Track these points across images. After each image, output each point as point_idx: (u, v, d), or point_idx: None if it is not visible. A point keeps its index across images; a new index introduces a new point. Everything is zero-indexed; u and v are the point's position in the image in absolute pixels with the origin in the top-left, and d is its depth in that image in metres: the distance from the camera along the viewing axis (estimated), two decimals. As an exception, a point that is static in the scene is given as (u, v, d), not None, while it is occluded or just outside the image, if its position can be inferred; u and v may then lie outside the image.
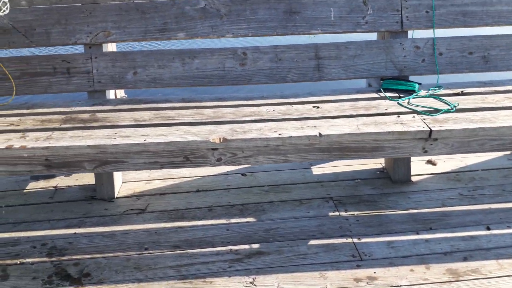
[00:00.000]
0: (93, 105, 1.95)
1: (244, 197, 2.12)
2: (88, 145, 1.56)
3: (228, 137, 1.62)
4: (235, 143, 1.62)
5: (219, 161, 1.68)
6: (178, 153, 1.65)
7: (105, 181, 2.09)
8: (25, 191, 2.20)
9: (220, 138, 1.62)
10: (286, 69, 2.12)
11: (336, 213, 1.98)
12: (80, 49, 2.15)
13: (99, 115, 1.83)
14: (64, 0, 1.96)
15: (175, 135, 1.64)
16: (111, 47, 2.14)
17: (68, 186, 2.24)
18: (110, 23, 2.00)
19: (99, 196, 2.12)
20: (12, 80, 1.99)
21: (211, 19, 2.06)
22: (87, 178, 2.27)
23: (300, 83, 2.18)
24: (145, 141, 1.59)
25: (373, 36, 2.29)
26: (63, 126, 1.73)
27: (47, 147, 1.55)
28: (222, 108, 1.91)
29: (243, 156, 1.68)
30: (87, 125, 1.73)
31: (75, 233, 1.86)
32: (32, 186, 2.24)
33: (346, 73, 2.15)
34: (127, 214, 1.98)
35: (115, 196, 2.12)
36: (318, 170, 2.35)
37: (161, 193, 2.16)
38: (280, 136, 1.62)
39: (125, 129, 1.69)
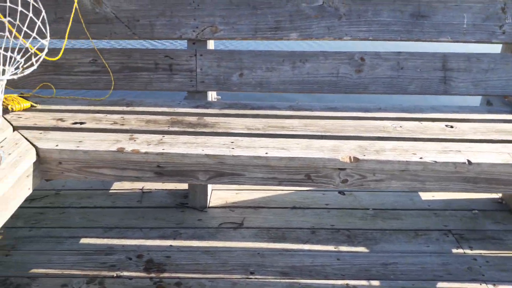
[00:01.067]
0: (197, 107, 1.81)
1: (348, 220, 1.92)
2: (206, 154, 1.41)
3: (360, 156, 1.43)
4: (368, 164, 1.43)
5: (344, 183, 1.49)
6: (300, 171, 1.47)
7: (198, 189, 1.96)
8: (110, 191, 2.10)
9: (350, 157, 1.43)
10: (408, 79, 1.90)
11: (460, 250, 1.74)
12: (181, 44, 2.02)
13: (207, 119, 1.68)
14: (172, -11, 1.83)
15: (297, 149, 1.46)
16: (210, 44, 2.00)
17: (155, 189, 2.12)
18: (218, 17, 1.85)
19: (191, 204, 1.98)
20: (111, 73, 1.89)
21: (328, 19, 1.87)
22: (174, 182, 2.15)
23: (413, 95, 1.96)
24: (267, 155, 1.42)
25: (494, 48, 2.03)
26: (171, 129, 1.59)
27: (161, 153, 1.41)
28: (338, 119, 1.72)
29: (373, 180, 1.48)
30: (198, 130, 1.59)
31: (171, 245, 1.72)
32: (118, 186, 2.14)
33: (476, 88, 1.90)
34: (224, 228, 1.83)
35: (208, 205, 1.98)
36: (427, 195, 2.12)
37: (255, 206, 2.00)
38: (421, 160, 1.41)
39: (241, 138, 1.53)
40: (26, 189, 1.40)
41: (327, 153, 1.44)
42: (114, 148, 1.43)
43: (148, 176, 1.48)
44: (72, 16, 1.77)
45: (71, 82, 1.90)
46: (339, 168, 1.46)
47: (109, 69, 1.88)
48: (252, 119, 1.70)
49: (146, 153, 1.42)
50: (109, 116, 1.70)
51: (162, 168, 1.46)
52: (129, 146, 1.44)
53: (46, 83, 1.90)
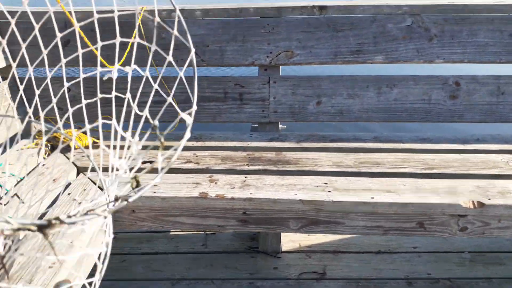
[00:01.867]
0: (271, 140, 1.63)
1: (445, 267, 1.68)
2: (300, 200, 1.22)
3: (485, 200, 1.21)
4: (495, 210, 1.21)
5: (462, 231, 1.27)
6: (412, 218, 1.26)
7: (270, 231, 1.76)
8: (171, 233, 1.92)
9: (473, 201, 1.21)
10: (509, 106, 1.68)
11: None
12: (252, 71, 1.86)
13: (287, 155, 1.50)
14: (244, 11, 1.67)
15: (407, 192, 1.25)
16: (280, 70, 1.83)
17: (219, 230, 1.93)
18: (295, 41, 1.68)
19: (262, 248, 1.78)
20: (176, 104, 1.73)
21: (417, 40, 1.67)
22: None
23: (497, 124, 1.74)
24: (373, 200, 1.22)
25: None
26: (252, 167, 1.41)
27: (250, 199, 1.23)
28: (437, 153, 1.51)
29: (497, 227, 1.26)
30: (281, 168, 1.40)
31: (250, 301, 1.52)
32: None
33: None
34: (305, 279, 1.62)
35: (280, 249, 1.78)
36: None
37: (333, 250, 1.78)
38: (561, 205, 1.19)
39: (334, 178, 1.33)
40: (99, 244, 1.23)
41: (445, 197, 1.22)
42: (195, 193, 1.25)
43: (232, 225, 1.30)
44: (133, 41, 1.63)
45: (137, 115, 1.75)
46: (458, 215, 1.24)
47: (173, 99, 1.72)
48: (338, 154, 1.51)
49: (232, 198, 1.24)
50: (180, 152, 1.54)
51: (248, 215, 1.28)
52: (212, 191, 1.26)
53: (106, 116, 1.76)
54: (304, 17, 1.66)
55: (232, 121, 1.74)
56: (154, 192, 1.26)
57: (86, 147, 1.61)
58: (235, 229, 1.30)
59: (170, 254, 1.78)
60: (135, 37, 1.58)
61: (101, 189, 1.30)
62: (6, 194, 1.33)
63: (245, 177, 1.35)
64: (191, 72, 1.85)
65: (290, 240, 1.85)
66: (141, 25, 1.67)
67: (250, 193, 1.25)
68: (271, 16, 1.67)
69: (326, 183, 1.30)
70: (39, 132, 1.73)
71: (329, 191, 1.25)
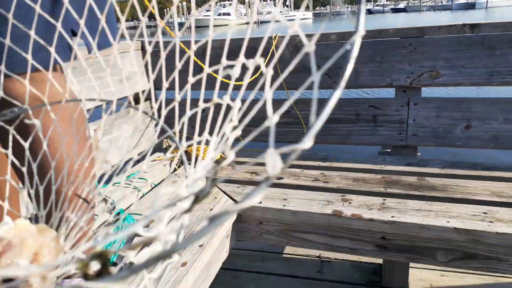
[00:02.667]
0: (408, 164, 1.48)
1: None
2: (454, 228, 1.05)
3: None
4: None
5: None
6: None
7: (397, 266, 1.57)
8: (284, 255, 1.83)
9: None
10: None
11: None
12: (387, 93, 1.75)
13: (431, 180, 1.33)
14: (383, 33, 1.59)
15: None
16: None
17: (335, 259, 1.79)
18: (441, 61, 1.54)
19: (385, 284, 1.59)
20: (304, 125, 1.69)
21: None
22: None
23: None
24: (549, 239, 1.00)
25: None
26: (390, 191, 1.27)
27: (392, 222, 1.09)
28: None
29: None
30: (426, 193, 1.24)
31: None
32: (291, 251, 1.87)
33: None
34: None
35: (408, 287, 1.57)
36: None
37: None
38: None
39: (495, 208, 1.13)
40: (224, 252, 1.19)
41: None
42: (328, 210, 1.16)
43: (367, 250, 1.16)
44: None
45: (260, 134, 1.75)
46: None
47: (302, 120, 1.69)
48: (496, 183, 1.30)
49: (370, 220, 1.11)
50: (306, 171, 1.47)
51: (387, 241, 1.13)
52: (346, 210, 1.16)
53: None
54: (453, 36, 1.52)
55: (363, 143, 1.63)
56: (284, 206, 1.20)
57: (217, 161, 1.63)
58: (370, 255, 1.16)
59: (284, 277, 1.68)
60: (268, 61, 1.61)
61: (233, 199, 1.28)
62: (141, 197, 1.39)
63: (384, 199, 1.22)
64: (325, 95, 1.79)
65: (420, 279, 1.62)
66: (274, 50, 1.68)
67: (392, 216, 1.11)
68: (413, 37, 1.57)
69: (485, 213, 1.11)
70: (170, 146, 1.82)
71: (491, 222, 1.06)
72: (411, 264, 1.70)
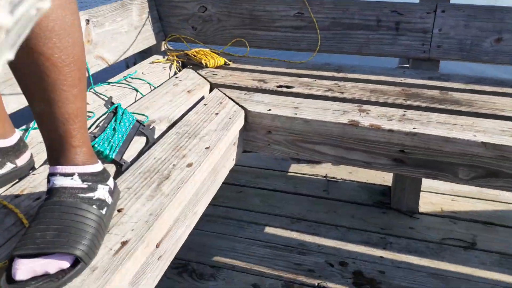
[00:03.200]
0: (430, 79, 1.37)
1: None
2: (482, 142, 0.97)
3: None
4: None
5: None
6: None
7: (408, 187, 1.53)
8: (289, 174, 1.79)
9: None
10: None
11: None
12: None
13: (455, 95, 1.23)
14: None
15: None
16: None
17: (342, 179, 1.75)
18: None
19: (395, 205, 1.57)
20: (318, 30, 1.54)
21: None
22: (365, 173, 1.76)
23: None
24: None
25: None
26: (410, 103, 1.18)
27: (413, 134, 1.01)
28: None
29: None
30: (449, 107, 1.15)
31: (381, 257, 1.33)
32: (296, 169, 1.82)
33: None
34: (449, 245, 1.38)
35: (418, 210, 1.54)
36: None
37: (484, 221, 1.49)
38: None
39: (522, 124, 1.05)
40: (231, 160, 1.12)
41: None
42: (344, 119, 1.07)
43: (382, 163, 1.09)
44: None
45: (268, 39, 1.61)
46: None
47: (316, 24, 1.53)
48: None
49: (390, 131, 1.03)
50: (319, 81, 1.36)
51: (406, 154, 1.06)
52: (364, 120, 1.07)
53: (239, 39, 1.64)
54: None
55: (382, 54, 1.50)
56: (296, 114, 1.11)
57: (218, 67, 1.51)
58: (384, 169, 1.10)
59: (289, 194, 1.65)
60: None
61: (240, 105, 1.18)
62: (140, 98, 1.29)
63: (404, 111, 1.12)
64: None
65: (430, 202, 1.59)
66: None
67: (414, 128, 1.02)
68: None
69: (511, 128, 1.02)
70: (169, 49, 1.68)
71: (518, 137, 0.98)
72: (422, 187, 1.66)
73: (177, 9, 1.67)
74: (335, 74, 1.42)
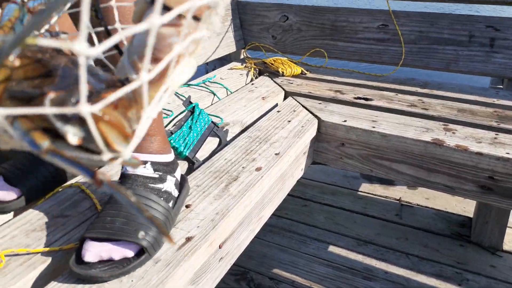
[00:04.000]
0: (527, 101, 1.25)
1: None
2: None
3: None
4: None
5: None
6: None
7: (492, 219, 1.39)
8: (359, 193, 1.72)
9: None
10: None
11: None
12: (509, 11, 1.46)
13: (558, 121, 1.11)
14: None
15: None
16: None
17: (417, 205, 1.64)
18: None
19: (475, 239, 1.44)
20: (403, 44, 1.48)
21: None
22: (444, 201, 1.63)
23: None
24: None
25: None
26: (504, 126, 1.08)
27: (507, 159, 0.92)
28: None
29: None
30: (550, 134, 1.03)
31: (456, 293, 1.22)
32: (367, 189, 1.74)
33: None
34: (538, 291, 1.23)
35: (502, 247, 1.40)
36: None
37: None
38: None
39: None
40: (299, 170, 1.10)
41: None
42: (427, 137, 1.00)
43: (467, 189, 1.00)
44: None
45: (349, 51, 1.57)
46: None
47: (401, 37, 1.47)
48: None
49: (479, 154, 0.94)
50: (401, 95, 1.29)
51: (495, 181, 0.96)
52: (449, 140, 0.99)
53: (318, 49, 1.62)
54: None
55: (473, 72, 1.39)
56: (373, 127, 1.05)
57: (294, 76, 1.50)
58: (468, 196, 1.01)
59: (357, 214, 1.58)
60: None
61: (314, 114, 1.15)
62: (217, 102, 1.31)
63: (496, 134, 1.03)
64: (430, 7, 1.53)
65: (515, 240, 1.44)
66: None
67: (507, 153, 0.93)
68: None
69: None
70: (248, 57, 1.70)
71: None
72: (509, 222, 1.51)
73: (259, 17, 1.69)
74: (419, 90, 1.35)
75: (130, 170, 0.62)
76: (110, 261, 0.56)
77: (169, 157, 0.66)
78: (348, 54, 1.58)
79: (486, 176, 0.97)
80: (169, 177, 0.65)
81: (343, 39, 1.57)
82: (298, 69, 1.52)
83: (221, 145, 0.97)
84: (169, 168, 0.65)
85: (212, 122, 0.99)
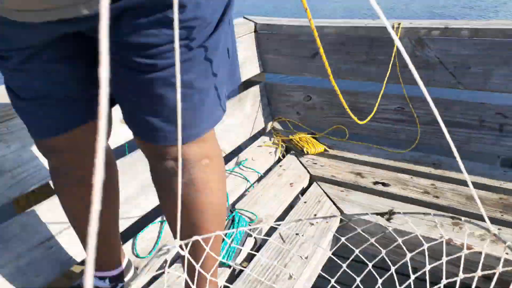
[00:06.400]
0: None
1: None
2: None
3: None
4: None
5: None
6: None
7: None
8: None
9: None
10: None
11: None
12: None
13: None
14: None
15: None
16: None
17: None
18: None
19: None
20: (418, 125, 1.67)
21: None
22: None
23: None
24: None
25: None
26: (505, 218, 1.25)
27: (506, 260, 1.10)
28: None
29: None
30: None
31: None
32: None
33: None
34: None
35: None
36: None
37: None
38: None
39: None
40: (323, 259, 1.30)
41: None
42: (435, 235, 1.19)
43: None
44: (392, 59, 1.61)
45: (368, 128, 1.77)
46: None
47: (417, 119, 1.66)
48: None
49: (480, 253, 1.12)
50: (415, 179, 1.48)
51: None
52: (456, 237, 1.18)
53: (340, 126, 1.83)
54: None
55: (483, 152, 1.57)
56: (390, 222, 1.25)
57: (318, 154, 1.71)
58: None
59: None
60: (395, 56, 1.58)
61: (337, 206, 1.36)
62: (249, 188, 1.53)
63: (499, 229, 1.21)
64: (444, 93, 1.72)
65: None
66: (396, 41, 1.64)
67: (506, 253, 1.11)
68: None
69: None
70: (277, 132, 1.92)
71: None
72: None
73: (285, 96, 1.92)
74: (433, 171, 1.53)
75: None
76: None
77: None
78: (368, 131, 1.78)
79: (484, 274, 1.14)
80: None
81: (362, 119, 1.78)
82: (321, 148, 1.73)
83: (256, 247, 1.18)
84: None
85: (248, 227, 1.21)
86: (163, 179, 0.73)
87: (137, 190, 1.30)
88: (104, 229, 0.92)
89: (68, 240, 1.11)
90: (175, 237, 0.68)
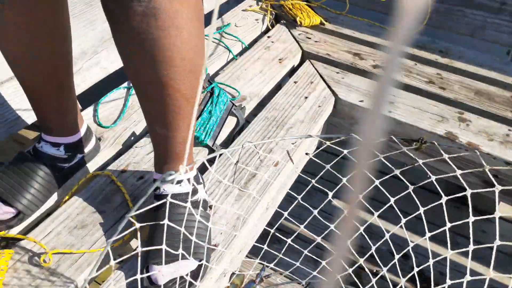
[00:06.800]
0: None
1: None
2: None
3: None
4: None
5: None
6: None
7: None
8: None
9: None
10: None
11: None
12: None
13: None
14: None
15: None
16: None
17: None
18: None
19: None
20: (429, 2, 1.45)
21: None
22: None
23: None
24: None
25: None
26: (517, 118, 1.14)
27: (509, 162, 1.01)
28: None
29: None
30: None
31: None
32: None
33: None
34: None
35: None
36: None
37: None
38: None
39: None
40: (312, 146, 1.18)
41: None
42: (441, 130, 1.07)
43: (469, 181, 1.11)
44: None
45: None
46: None
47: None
48: None
49: (488, 155, 1.02)
50: (420, 66, 1.32)
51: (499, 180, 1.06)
52: (462, 134, 1.07)
53: (340, -5, 1.58)
54: None
55: (497, 41, 1.40)
56: (390, 112, 1.11)
57: (313, 26, 1.49)
58: (470, 187, 1.11)
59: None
60: None
61: (331, 89, 1.20)
62: (232, 60, 1.33)
63: (509, 130, 1.10)
64: None
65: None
66: None
67: (514, 157, 1.01)
68: None
69: None
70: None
71: None
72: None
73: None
74: (439, 59, 1.36)
75: (168, 191, 0.70)
76: (180, 277, 0.66)
77: (195, 170, 0.74)
78: (369, 2, 1.55)
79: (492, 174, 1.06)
80: (199, 186, 0.74)
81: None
82: (317, 19, 1.50)
83: (239, 127, 1.03)
84: (197, 178, 0.74)
85: (230, 101, 1.04)
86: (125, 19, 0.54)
87: (96, 43, 1.09)
88: (53, 76, 0.69)
89: (13, 94, 0.93)
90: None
